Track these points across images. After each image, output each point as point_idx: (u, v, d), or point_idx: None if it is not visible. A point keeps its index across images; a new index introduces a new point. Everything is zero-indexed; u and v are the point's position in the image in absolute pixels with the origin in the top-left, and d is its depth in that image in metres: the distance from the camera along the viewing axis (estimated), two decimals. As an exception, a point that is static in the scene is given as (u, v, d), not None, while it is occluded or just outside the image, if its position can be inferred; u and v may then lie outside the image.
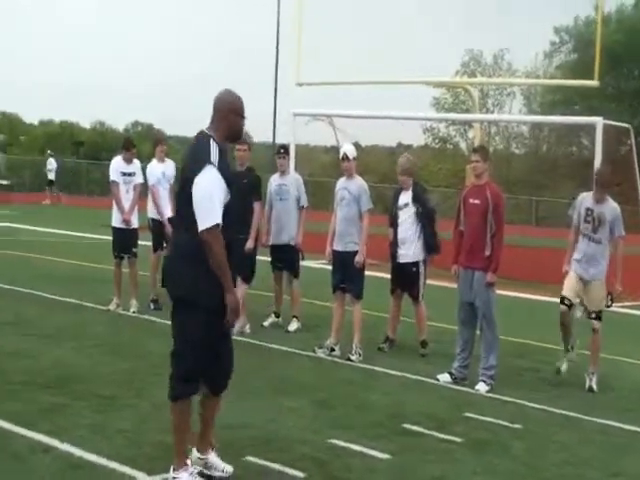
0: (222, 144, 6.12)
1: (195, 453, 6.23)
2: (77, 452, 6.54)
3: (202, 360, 6.04)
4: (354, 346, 10.70)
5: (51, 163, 42.33)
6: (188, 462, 6.06)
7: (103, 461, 6.39)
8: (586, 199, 10.20)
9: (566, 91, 50.45)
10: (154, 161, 13.57)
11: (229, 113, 6.15)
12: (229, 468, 6.24)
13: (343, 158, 11.17)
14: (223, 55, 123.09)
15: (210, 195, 5.86)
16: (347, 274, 10.87)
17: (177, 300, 6.12)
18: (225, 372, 6.25)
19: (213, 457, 6.25)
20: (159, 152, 13.51)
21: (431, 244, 11.39)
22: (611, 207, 10.12)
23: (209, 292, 5.94)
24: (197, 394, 6.15)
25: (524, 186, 49.50)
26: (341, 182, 11.22)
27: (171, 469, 5.99)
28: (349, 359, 10.59)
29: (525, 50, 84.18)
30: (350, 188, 11.00)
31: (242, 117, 6.23)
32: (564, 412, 8.94)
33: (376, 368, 10.35)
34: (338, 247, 10.95)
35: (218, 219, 5.84)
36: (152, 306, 13.03)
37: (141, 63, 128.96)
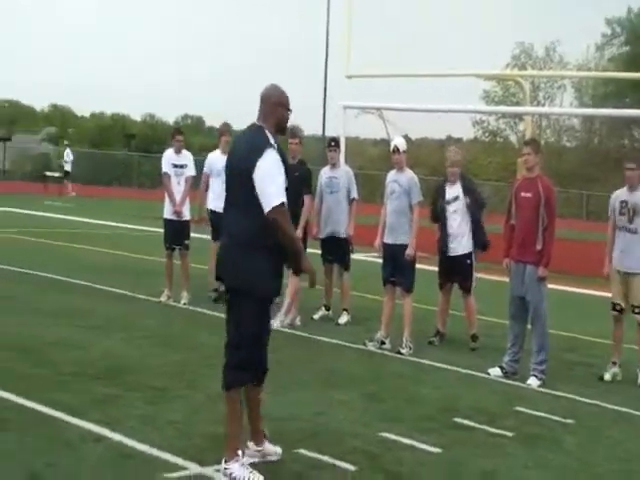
0: (273, 136, 6.20)
1: (252, 446, 6.28)
2: (128, 442, 6.55)
3: (256, 350, 6.11)
4: (404, 339, 10.68)
5: (68, 155, 42.36)
6: (239, 453, 6.03)
7: (154, 451, 6.40)
8: (619, 194, 10.14)
9: (618, 83, 49.97)
10: (217, 151, 13.56)
11: (276, 106, 6.25)
12: (279, 449, 6.37)
13: (394, 151, 11.12)
14: (270, 50, 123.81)
15: (273, 176, 5.97)
16: (397, 267, 10.84)
17: (233, 290, 6.18)
18: (266, 361, 6.30)
19: (267, 445, 6.33)
20: (224, 143, 13.38)
21: (481, 239, 11.32)
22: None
23: (264, 282, 6.02)
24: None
25: (575, 179, 49.15)
26: (391, 175, 11.19)
27: (223, 460, 5.98)
28: (399, 352, 10.57)
29: (577, 42, 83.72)
30: (400, 181, 10.97)
31: (288, 110, 6.33)
32: (616, 407, 8.85)
33: (426, 361, 10.31)
34: (389, 240, 10.91)
35: (283, 197, 5.95)
36: (213, 296, 13.00)
37: (188, 57, 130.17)
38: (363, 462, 6.47)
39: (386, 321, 10.94)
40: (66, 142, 47.67)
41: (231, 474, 5.93)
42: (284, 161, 6.16)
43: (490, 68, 54.16)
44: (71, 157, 42.51)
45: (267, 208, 5.87)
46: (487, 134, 65.13)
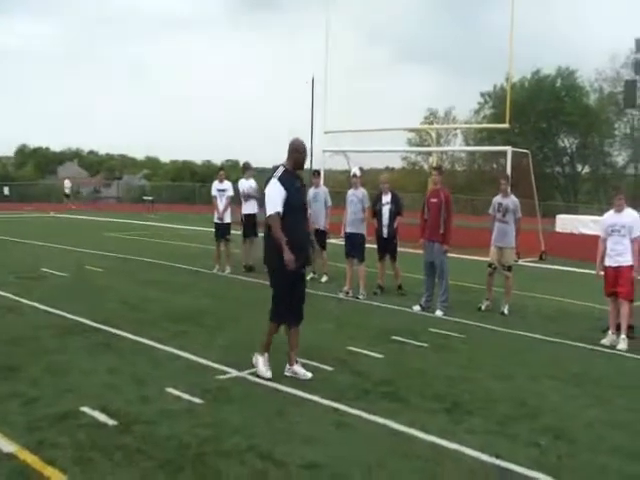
0: (292, 170, 6.07)
1: (287, 366, 6.17)
2: (194, 358, 6.56)
3: (286, 301, 6.06)
4: (360, 290, 10.67)
5: (67, 183, 40.33)
6: (266, 355, 6.10)
7: (210, 363, 6.41)
8: (497, 199, 10.14)
9: (489, 131, 49.98)
10: (243, 179, 13.54)
11: (294, 151, 6.11)
12: (308, 374, 6.07)
13: (353, 176, 11.22)
14: (275, 115, 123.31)
15: (269, 195, 5.93)
16: (355, 246, 10.90)
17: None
18: (299, 310, 6.20)
19: (297, 367, 6.14)
20: (248, 174, 13.55)
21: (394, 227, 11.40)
22: (512, 200, 10.04)
23: (273, 259, 5.99)
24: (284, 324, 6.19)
25: (463, 190, 49.10)
26: (351, 191, 11.19)
27: (254, 355, 6.16)
28: (357, 298, 10.55)
29: (464, 107, 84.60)
30: (357, 195, 11.00)
31: (301, 154, 6.12)
32: (489, 326, 8.86)
33: (374, 303, 10.29)
34: (351, 230, 10.97)
35: (277, 209, 5.86)
36: (244, 269, 12.96)
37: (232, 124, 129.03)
38: (337, 365, 6.48)
39: (349, 279, 10.94)
40: (67, 177, 46.72)
41: (254, 359, 6.13)
42: (289, 185, 5.93)
43: (412, 124, 54.26)
44: (69, 185, 40.11)
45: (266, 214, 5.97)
46: (410, 164, 65.58)
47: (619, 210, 8.20)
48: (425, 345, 7.60)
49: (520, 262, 17.02)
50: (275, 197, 5.90)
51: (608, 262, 8.18)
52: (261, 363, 6.08)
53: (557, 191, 59.57)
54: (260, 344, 6.16)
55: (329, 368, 6.33)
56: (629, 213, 8.26)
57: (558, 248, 19.17)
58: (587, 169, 63.07)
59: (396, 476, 4.20)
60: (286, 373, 6.12)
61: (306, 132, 35.43)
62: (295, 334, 6.23)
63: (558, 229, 27.42)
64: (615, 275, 8.10)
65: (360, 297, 10.58)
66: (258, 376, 6.01)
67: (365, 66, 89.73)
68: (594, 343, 8.12)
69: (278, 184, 5.93)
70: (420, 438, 4.78)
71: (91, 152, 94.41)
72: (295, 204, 5.95)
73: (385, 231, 11.34)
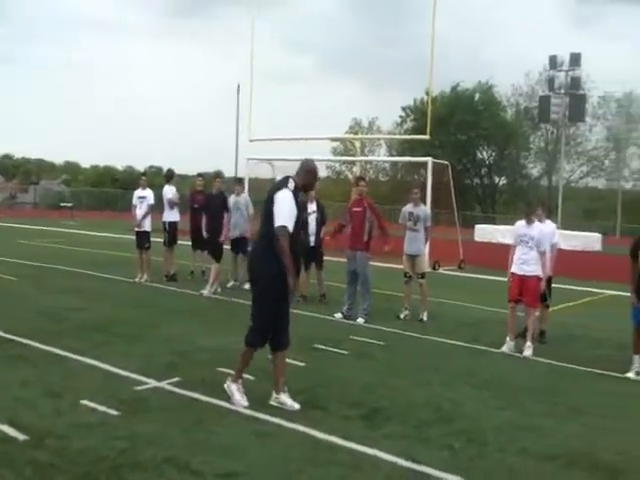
0: (299, 188, 5.63)
1: (273, 395, 5.71)
2: (112, 369, 6.42)
3: (271, 321, 5.58)
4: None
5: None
6: (239, 381, 5.67)
7: (128, 373, 6.29)
8: (407, 208, 10.39)
9: (411, 142, 51.15)
10: (166, 187, 13.30)
11: (309, 173, 5.73)
12: (296, 406, 5.57)
13: None
14: (204, 126, 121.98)
15: (284, 207, 5.41)
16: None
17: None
18: (286, 332, 5.71)
19: (284, 397, 5.65)
20: (171, 182, 13.42)
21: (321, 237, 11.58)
22: (423, 209, 10.35)
23: (267, 274, 5.49)
24: (262, 347, 5.71)
25: (387, 199, 50.03)
26: None
27: (228, 380, 5.73)
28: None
29: (387, 119, 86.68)
30: None
31: (315, 179, 5.81)
32: (409, 333, 9.07)
33: (296, 311, 10.24)
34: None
35: (290, 223, 5.38)
36: (165, 279, 12.77)
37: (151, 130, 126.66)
38: (259, 374, 6.44)
39: None
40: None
41: (227, 387, 5.67)
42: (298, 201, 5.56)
43: (336, 133, 54.92)
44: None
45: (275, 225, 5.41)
46: (335, 173, 66.17)
47: (529, 222, 8.53)
48: (346, 353, 7.69)
49: (440, 271, 17.50)
50: (290, 211, 5.40)
51: (515, 269, 8.48)
52: (236, 392, 5.65)
53: (476, 202, 61.43)
54: (235, 372, 5.78)
55: (251, 377, 6.30)
56: (539, 226, 8.58)
57: (476, 257, 19.79)
58: (504, 180, 65.37)
59: (315, 483, 4.24)
60: (272, 402, 5.65)
61: (231, 140, 35.21)
62: (282, 359, 5.77)
63: (477, 239, 28.33)
64: (521, 283, 8.42)
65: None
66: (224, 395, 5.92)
67: (291, 75, 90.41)
68: (507, 349, 8.42)
69: (293, 198, 5.47)
70: (340, 445, 4.84)
71: (6, 156, 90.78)
72: (298, 222, 5.57)
73: (312, 239, 11.42)
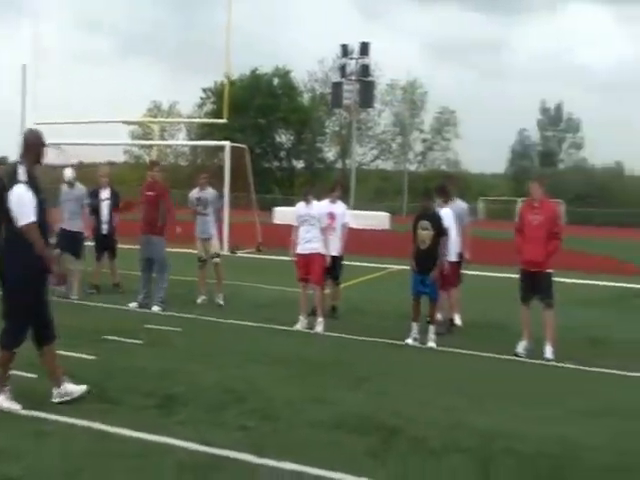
0: (31, 168, 5.24)
1: (54, 390, 5.35)
2: None
3: (31, 319, 5.26)
4: (73, 290, 10.17)
5: None
6: (5, 388, 5.23)
7: None
8: (194, 192, 10.32)
9: (212, 126, 50.75)
10: None
11: (31, 147, 5.28)
12: (83, 388, 5.42)
13: (68, 181, 10.44)
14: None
15: (23, 204, 5.08)
16: (69, 245, 10.30)
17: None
18: (51, 324, 5.40)
19: (67, 386, 5.38)
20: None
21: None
22: (211, 192, 10.31)
23: (20, 270, 5.17)
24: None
25: (187, 185, 49.67)
26: (66, 190, 10.44)
27: None
28: (70, 299, 10.04)
29: (190, 103, 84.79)
30: (74, 193, 10.42)
31: (41, 145, 5.33)
32: (205, 318, 9.07)
33: (89, 303, 9.90)
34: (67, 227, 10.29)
35: (33, 218, 5.07)
36: None
37: None
38: (41, 371, 6.06)
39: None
40: None
41: None
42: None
43: (135, 117, 52.85)
44: None
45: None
46: (133, 158, 63.98)
47: (308, 202, 8.85)
48: (140, 342, 7.51)
49: (239, 254, 17.66)
50: (29, 204, 5.08)
51: (300, 250, 8.81)
52: (3, 401, 5.17)
53: (275, 185, 62.70)
54: None
55: (32, 375, 5.91)
56: (317, 204, 8.95)
57: (275, 239, 20.19)
58: (302, 164, 67.41)
59: (103, 479, 4.09)
60: (55, 399, 5.30)
61: (15, 124, 32.51)
62: (51, 352, 5.40)
63: (276, 221, 28.93)
64: (306, 262, 8.76)
65: (73, 298, 10.05)
66: None
67: (87, 56, 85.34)
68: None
69: (29, 191, 5.12)
70: (129, 436, 4.71)
71: None
72: (40, 206, 5.19)
73: (104, 228, 10.95)
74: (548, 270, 7.60)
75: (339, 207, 9.53)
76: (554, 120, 68.30)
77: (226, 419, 5.17)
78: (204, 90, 65.24)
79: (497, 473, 4.39)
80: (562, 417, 5.57)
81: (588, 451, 4.80)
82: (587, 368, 7.21)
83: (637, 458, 4.68)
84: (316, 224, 8.70)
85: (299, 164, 67.45)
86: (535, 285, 7.61)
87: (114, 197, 11.19)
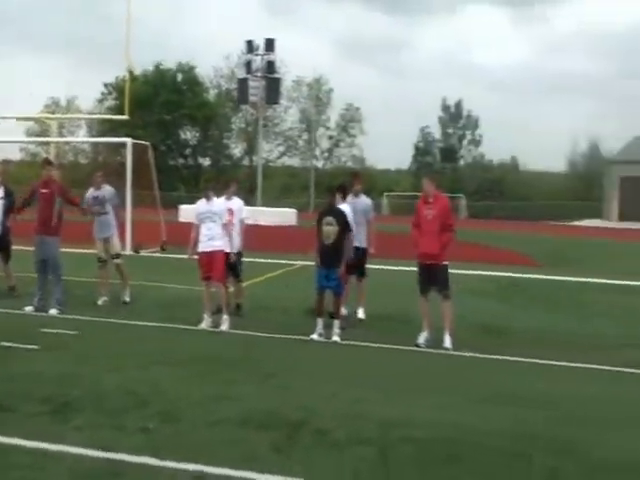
0: None
1: None
2: None
3: None
4: None
5: None
6: None
7: None
8: (91, 192, 10.05)
9: (114, 123, 49.17)
10: None
11: None
12: None
13: None
14: None
15: None
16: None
17: None
18: None
19: None
20: None
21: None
22: (108, 190, 10.04)
23: None
24: None
25: (87, 183, 48.19)
26: None
27: None
28: None
29: (89, 97, 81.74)
30: None
31: None
32: (106, 320, 8.79)
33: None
34: None
35: None
36: None
37: None
38: None
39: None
40: None
41: None
42: None
43: (30, 113, 50.60)
44: None
45: None
46: (30, 156, 61.33)
47: (209, 199, 8.78)
48: (35, 347, 7.17)
49: (142, 254, 17.24)
50: None
51: (202, 248, 8.71)
52: None
53: (181, 182, 61.71)
54: None
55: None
56: (218, 201, 8.89)
57: (181, 237, 19.81)
58: (208, 161, 66.64)
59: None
60: None
61: None
62: None
63: (182, 219, 28.41)
64: (208, 260, 8.67)
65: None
66: None
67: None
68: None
69: None
70: (21, 446, 4.50)
71: None
72: None
73: None
74: (444, 262, 7.86)
75: (236, 203, 9.48)
76: (454, 117, 70.56)
77: (126, 423, 5.03)
78: (105, 85, 63.27)
79: (396, 461, 4.49)
80: (460, 404, 5.76)
81: (484, 436, 4.99)
82: (484, 356, 7.51)
83: (532, 442, 4.90)
84: (218, 221, 8.63)
85: (205, 161, 66.58)
86: (432, 277, 7.86)
87: (8, 196, 10.65)
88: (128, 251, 16.31)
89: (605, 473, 4.46)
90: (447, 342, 7.75)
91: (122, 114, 22.44)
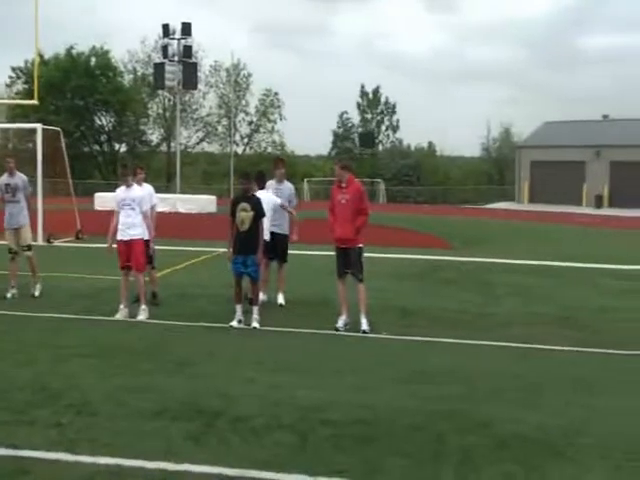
0: None
1: None
2: None
3: None
4: None
5: None
6: None
7: None
8: (3, 179, 9.63)
9: (25, 108, 47.07)
10: None
11: None
12: None
13: None
14: None
15: None
16: None
17: None
18: None
19: None
20: None
21: None
22: (20, 177, 9.66)
23: None
24: None
25: (-3, 170, 46.04)
26: None
27: None
28: None
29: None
30: None
31: None
32: (17, 313, 8.49)
33: None
34: None
35: None
36: None
37: None
38: None
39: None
40: None
41: None
42: None
43: None
44: None
45: None
46: None
47: (129, 186, 8.58)
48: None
49: (56, 243, 16.64)
50: None
51: (120, 236, 8.51)
52: None
53: (97, 169, 59.91)
54: None
55: None
56: (138, 188, 8.71)
57: (97, 226, 19.24)
58: (124, 147, 64.86)
59: None
60: None
61: None
62: None
63: (97, 207, 27.58)
64: (127, 248, 8.48)
65: None
66: None
67: None
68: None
69: None
70: None
71: None
72: None
73: None
74: (358, 245, 7.97)
75: (146, 189, 9.26)
76: (372, 103, 71.30)
77: (37, 418, 4.87)
78: (13, 69, 60.33)
79: (314, 444, 4.53)
80: (376, 385, 5.88)
81: (398, 414, 5.11)
82: (401, 337, 7.67)
83: (444, 417, 5.05)
84: (137, 208, 8.42)
85: (121, 147, 64.69)
86: (347, 260, 7.95)
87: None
88: (40, 241, 15.70)
89: (516, 448, 4.64)
90: (364, 325, 7.86)
91: (31, 99, 21.53)
